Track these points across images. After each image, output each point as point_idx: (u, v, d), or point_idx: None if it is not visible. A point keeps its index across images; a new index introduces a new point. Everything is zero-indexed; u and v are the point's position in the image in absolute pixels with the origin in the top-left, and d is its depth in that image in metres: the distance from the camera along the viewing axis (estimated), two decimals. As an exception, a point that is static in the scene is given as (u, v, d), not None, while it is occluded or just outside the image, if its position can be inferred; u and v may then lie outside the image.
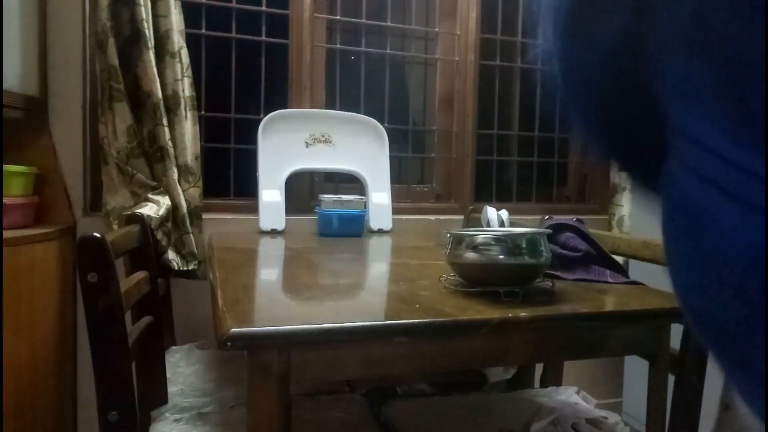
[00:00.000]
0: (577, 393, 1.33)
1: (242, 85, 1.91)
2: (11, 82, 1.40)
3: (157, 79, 1.53)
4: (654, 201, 0.42)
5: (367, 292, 0.94)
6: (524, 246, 0.83)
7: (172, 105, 1.58)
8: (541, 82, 2.14)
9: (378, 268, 1.28)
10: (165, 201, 1.54)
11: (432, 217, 2.02)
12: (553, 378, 1.51)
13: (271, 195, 1.70)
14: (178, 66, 1.58)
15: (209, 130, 1.87)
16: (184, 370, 1.34)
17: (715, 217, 0.36)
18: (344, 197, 1.65)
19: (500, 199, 2.21)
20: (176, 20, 1.59)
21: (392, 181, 1.85)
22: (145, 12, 1.50)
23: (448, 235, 0.89)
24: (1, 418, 1.26)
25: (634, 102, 0.45)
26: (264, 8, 1.88)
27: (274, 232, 1.67)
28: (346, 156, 1.83)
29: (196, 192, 1.63)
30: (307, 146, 1.80)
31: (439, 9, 2.09)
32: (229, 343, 0.63)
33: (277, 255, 1.39)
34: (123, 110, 1.49)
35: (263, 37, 1.90)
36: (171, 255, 1.56)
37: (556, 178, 2.33)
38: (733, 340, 0.37)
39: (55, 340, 1.51)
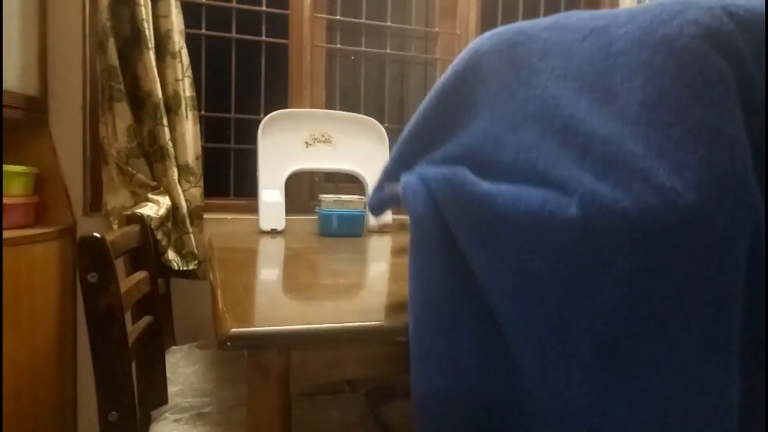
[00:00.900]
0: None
1: (242, 85, 1.91)
2: (11, 82, 1.40)
3: (158, 79, 1.53)
4: None
5: (367, 292, 0.94)
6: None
7: (172, 105, 1.58)
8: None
9: (378, 268, 1.28)
10: (165, 201, 1.54)
11: (432, 217, 2.02)
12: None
13: (271, 195, 1.70)
14: (179, 66, 1.58)
15: (209, 130, 1.87)
16: (184, 370, 1.34)
17: None
18: (344, 197, 1.65)
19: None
20: (176, 20, 1.59)
21: (392, 181, 1.85)
22: (145, 12, 1.50)
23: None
24: (1, 418, 1.26)
25: None
26: (264, 8, 1.88)
27: (274, 232, 1.67)
28: (346, 156, 1.83)
29: (196, 192, 1.63)
30: (307, 146, 1.80)
31: (439, 9, 2.09)
32: (229, 343, 0.63)
33: (277, 255, 1.39)
34: (123, 110, 1.49)
35: (263, 37, 1.90)
36: (171, 255, 1.56)
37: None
38: None
39: (55, 340, 1.51)
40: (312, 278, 1.00)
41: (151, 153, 1.57)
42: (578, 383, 0.60)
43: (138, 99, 1.54)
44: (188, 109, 1.62)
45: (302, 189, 1.93)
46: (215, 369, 1.36)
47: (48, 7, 1.57)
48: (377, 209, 0.81)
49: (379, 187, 0.81)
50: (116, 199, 1.53)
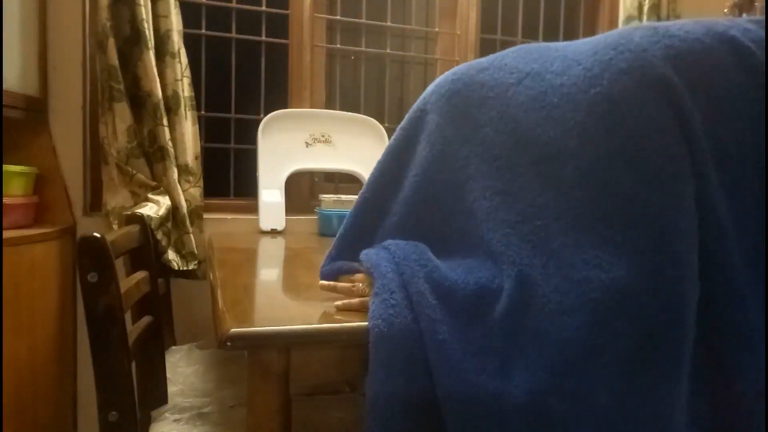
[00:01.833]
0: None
1: (242, 85, 1.91)
2: (11, 82, 1.40)
3: (157, 79, 1.53)
4: None
5: (367, 292, 0.94)
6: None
7: (172, 105, 1.58)
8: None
9: (378, 268, 1.27)
10: (165, 201, 1.54)
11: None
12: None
13: (271, 195, 1.70)
14: (178, 66, 1.58)
15: (209, 130, 1.87)
16: (184, 370, 1.34)
17: None
18: (344, 197, 1.65)
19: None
20: (176, 20, 1.59)
21: (392, 181, 1.85)
22: (145, 12, 1.50)
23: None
24: (1, 418, 1.26)
25: None
26: (264, 8, 1.88)
27: (274, 232, 1.67)
28: (346, 156, 1.83)
29: (196, 192, 1.63)
30: (307, 146, 1.80)
31: (439, 9, 2.09)
32: (229, 343, 0.63)
33: (277, 255, 1.38)
34: (123, 110, 1.49)
35: (263, 37, 1.90)
36: (171, 255, 1.56)
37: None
38: None
39: (55, 340, 1.51)
40: (312, 278, 1.00)
41: (151, 153, 1.57)
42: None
43: (138, 99, 1.53)
44: (187, 109, 1.62)
45: (302, 189, 1.93)
46: (215, 369, 1.36)
47: (48, 7, 1.57)
48: (327, 277, 0.82)
49: (333, 255, 0.83)
50: (116, 199, 1.53)
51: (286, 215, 1.70)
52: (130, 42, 1.51)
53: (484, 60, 0.76)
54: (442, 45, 2.12)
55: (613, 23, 2.20)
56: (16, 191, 1.44)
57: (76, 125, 1.62)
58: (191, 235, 1.60)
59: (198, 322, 1.69)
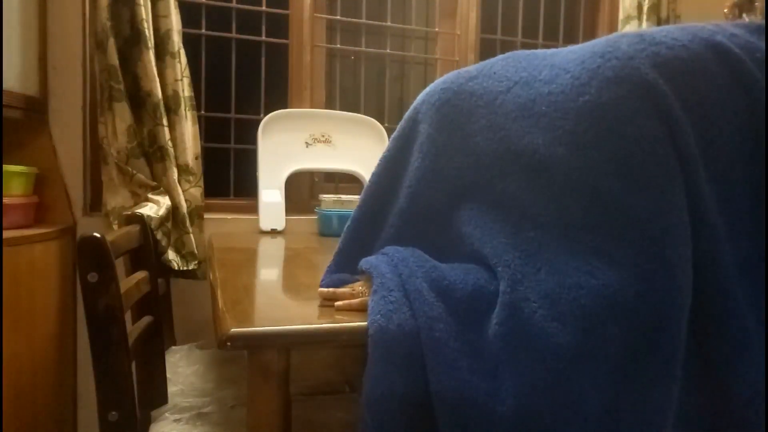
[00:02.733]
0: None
1: (242, 85, 1.91)
2: (11, 82, 1.40)
3: (157, 79, 1.53)
4: None
5: (367, 292, 0.94)
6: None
7: (172, 105, 1.58)
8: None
9: (378, 268, 1.27)
10: (165, 201, 1.54)
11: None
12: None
13: (271, 195, 1.70)
14: (178, 66, 1.58)
15: (209, 130, 1.87)
16: (184, 370, 1.34)
17: None
18: (344, 197, 1.65)
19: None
20: (175, 20, 1.59)
21: (392, 181, 1.85)
22: (145, 12, 1.50)
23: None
24: (1, 418, 1.26)
25: None
26: (264, 8, 1.88)
27: (274, 232, 1.67)
28: (346, 156, 1.83)
29: (197, 192, 1.63)
30: (307, 146, 1.80)
31: (439, 9, 2.09)
32: (229, 343, 0.63)
33: (277, 255, 1.38)
34: (123, 110, 1.49)
35: (263, 37, 1.90)
36: (171, 255, 1.56)
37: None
38: None
39: (55, 340, 1.51)
40: (312, 278, 1.00)
41: (151, 153, 1.57)
42: None
43: (138, 99, 1.53)
44: (187, 109, 1.62)
45: (302, 189, 1.93)
46: (215, 369, 1.36)
47: (48, 7, 1.57)
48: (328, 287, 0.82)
49: (333, 269, 0.83)
50: (116, 199, 1.53)
51: (286, 215, 1.70)
52: (130, 42, 1.51)
53: (473, 68, 0.76)
54: (442, 45, 2.12)
55: (612, 23, 2.20)
56: (16, 191, 1.44)
57: (76, 125, 1.62)
58: (191, 235, 1.60)
59: (198, 322, 1.69)
